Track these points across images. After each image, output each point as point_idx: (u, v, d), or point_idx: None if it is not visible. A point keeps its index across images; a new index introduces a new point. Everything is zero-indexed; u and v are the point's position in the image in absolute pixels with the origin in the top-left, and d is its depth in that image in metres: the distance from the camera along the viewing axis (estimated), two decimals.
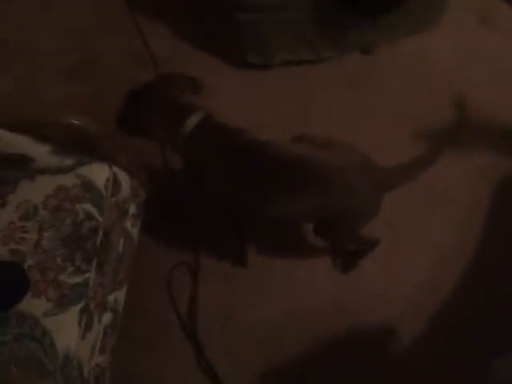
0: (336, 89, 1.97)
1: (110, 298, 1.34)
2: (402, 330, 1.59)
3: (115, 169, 1.37)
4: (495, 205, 1.74)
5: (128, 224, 1.45)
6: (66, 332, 1.16)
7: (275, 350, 1.58)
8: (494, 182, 1.79)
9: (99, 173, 1.34)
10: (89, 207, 1.29)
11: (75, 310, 1.18)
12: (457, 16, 2.05)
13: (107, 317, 1.31)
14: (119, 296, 1.39)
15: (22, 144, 1.28)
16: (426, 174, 1.40)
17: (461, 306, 1.61)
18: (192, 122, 1.29)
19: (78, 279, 1.22)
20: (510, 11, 2.12)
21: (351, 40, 1.91)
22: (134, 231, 1.49)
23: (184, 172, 1.42)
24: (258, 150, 1.30)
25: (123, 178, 1.41)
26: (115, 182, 1.37)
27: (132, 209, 1.46)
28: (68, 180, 1.31)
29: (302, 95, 1.98)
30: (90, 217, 1.28)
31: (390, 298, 1.62)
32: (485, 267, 1.67)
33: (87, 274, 1.23)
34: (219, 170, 1.32)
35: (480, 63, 2.01)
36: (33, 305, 1.17)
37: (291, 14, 1.74)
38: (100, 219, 1.29)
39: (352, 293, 1.64)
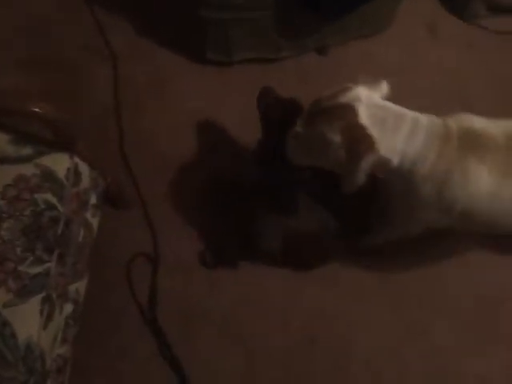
0: (289, 85, 2.02)
1: (71, 288, 1.33)
2: None
3: (76, 159, 1.36)
4: None
5: (88, 214, 1.44)
6: (28, 322, 1.14)
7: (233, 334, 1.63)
8: None
9: (59, 163, 1.32)
10: (49, 197, 1.27)
11: (36, 299, 1.17)
12: (406, 22, 2.12)
13: (68, 307, 1.31)
14: (80, 287, 1.39)
15: None
16: None
17: None
18: None
19: (38, 269, 1.20)
20: (456, 22, 2.20)
21: (309, 41, 1.95)
22: (94, 221, 1.48)
23: None
24: None
25: (83, 168, 1.39)
26: (76, 172, 1.36)
27: (92, 199, 1.45)
28: (27, 170, 1.29)
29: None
30: (50, 207, 1.26)
31: None
32: None
33: (48, 264, 1.22)
34: None
35: (421, 70, 2.08)
36: None
37: (254, 13, 1.75)
38: (61, 209, 1.28)
39: None
